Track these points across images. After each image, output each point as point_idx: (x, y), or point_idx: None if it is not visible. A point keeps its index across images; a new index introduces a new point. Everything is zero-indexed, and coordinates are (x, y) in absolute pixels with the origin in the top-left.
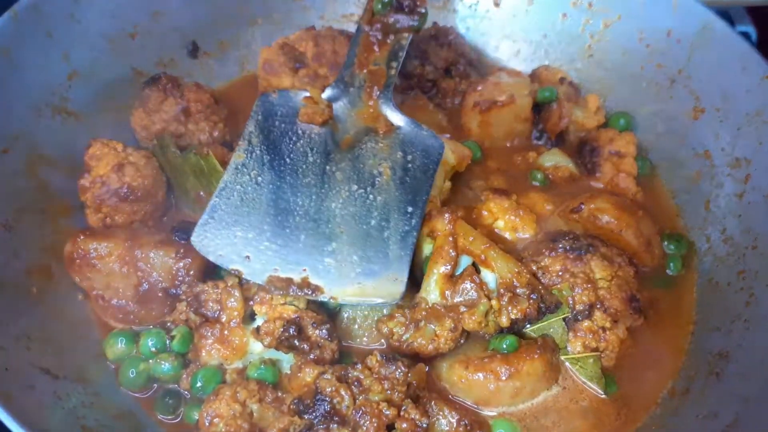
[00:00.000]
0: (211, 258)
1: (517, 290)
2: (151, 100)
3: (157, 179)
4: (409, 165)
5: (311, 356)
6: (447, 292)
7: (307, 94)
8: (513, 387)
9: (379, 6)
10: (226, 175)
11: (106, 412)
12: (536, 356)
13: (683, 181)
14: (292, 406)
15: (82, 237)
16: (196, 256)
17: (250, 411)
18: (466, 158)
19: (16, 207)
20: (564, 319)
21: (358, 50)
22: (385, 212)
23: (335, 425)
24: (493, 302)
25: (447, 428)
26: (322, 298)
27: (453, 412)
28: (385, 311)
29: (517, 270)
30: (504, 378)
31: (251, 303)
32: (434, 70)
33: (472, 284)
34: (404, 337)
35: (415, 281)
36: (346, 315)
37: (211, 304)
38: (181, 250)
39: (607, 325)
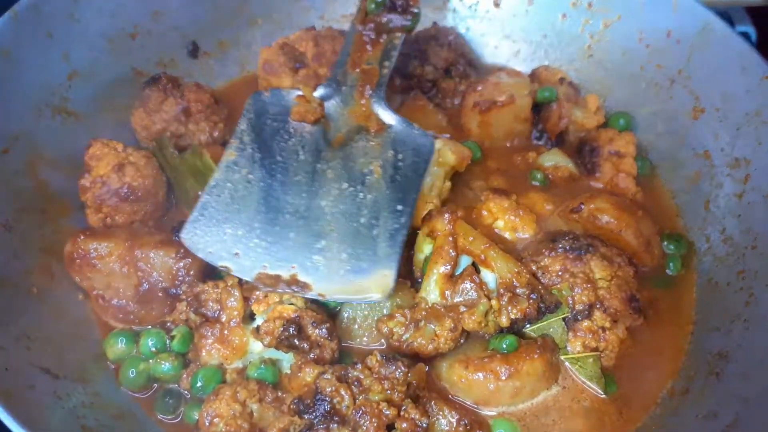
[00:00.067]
0: (201, 255)
1: (517, 290)
2: (151, 100)
3: (157, 179)
4: (400, 163)
5: (311, 356)
6: (447, 292)
7: (300, 93)
8: (513, 387)
9: (373, 5)
10: (218, 173)
11: (106, 412)
12: (536, 356)
13: (683, 181)
14: (292, 406)
15: (82, 237)
16: (196, 256)
17: (250, 411)
18: (466, 158)
19: (16, 207)
20: (564, 319)
21: (351, 49)
22: (375, 210)
23: (335, 425)
24: (493, 302)
25: (447, 428)
26: (310, 295)
27: (453, 412)
28: (385, 311)
29: (516, 270)
30: (504, 378)
31: (251, 302)
32: (434, 70)
33: (472, 284)
34: (404, 337)
35: (413, 281)
36: (346, 315)
37: (211, 304)
38: (181, 250)
39: (607, 325)
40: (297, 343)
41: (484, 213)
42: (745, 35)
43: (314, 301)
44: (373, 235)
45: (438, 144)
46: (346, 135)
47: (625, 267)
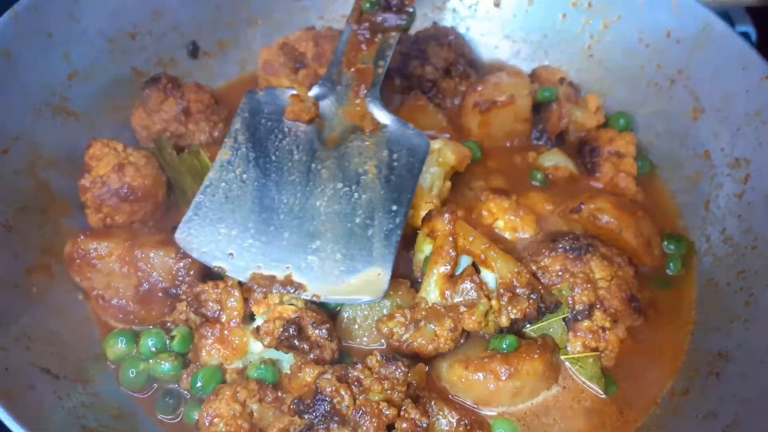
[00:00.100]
0: (195, 255)
1: (517, 290)
2: (151, 100)
3: (157, 179)
4: (395, 163)
5: (311, 356)
6: (447, 292)
7: (294, 92)
8: (513, 387)
9: (367, 4)
10: (212, 173)
11: (106, 412)
12: (536, 356)
13: (683, 181)
14: (292, 406)
15: (82, 237)
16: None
17: (250, 411)
18: (466, 158)
19: (16, 207)
20: (564, 319)
21: (346, 48)
22: (369, 210)
23: (335, 425)
24: (493, 302)
25: (447, 428)
26: (304, 295)
27: (453, 412)
28: (385, 311)
29: (516, 270)
30: (504, 378)
31: (251, 303)
32: (434, 70)
33: (472, 284)
34: (404, 337)
35: (413, 281)
36: (346, 315)
37: (211, 304)
38: (181, 250)
39: (607, 325)
40: (297, 343)
41: (484, 213)
42: (745, 35)
43: (314, 302)
44: (367, 235)
45: (438, 144)
46: (340, 134)
47: (625, 267)
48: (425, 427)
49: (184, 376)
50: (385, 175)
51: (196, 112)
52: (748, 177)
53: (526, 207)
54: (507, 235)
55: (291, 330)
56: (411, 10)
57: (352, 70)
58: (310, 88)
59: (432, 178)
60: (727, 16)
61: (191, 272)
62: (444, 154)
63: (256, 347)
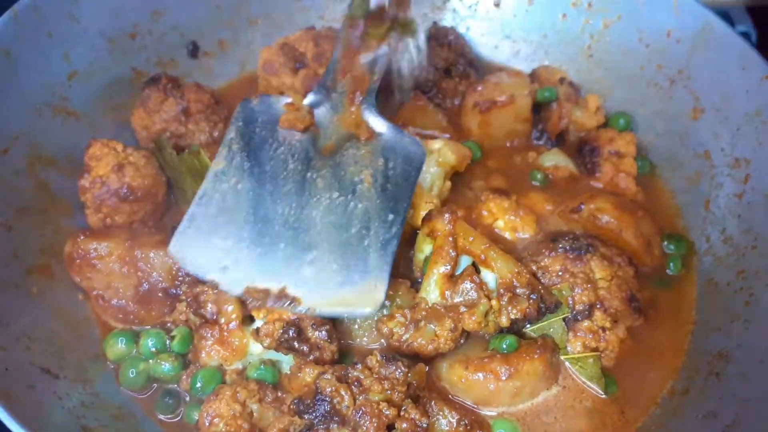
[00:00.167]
0: (188, 268)
1: (517, 290)
2: (151, 100)
3: (157, 179)
4: (390, 172)
5: (311, 357)
6: (447, 292)
7: (289, 100)
8: (513, 387)
9: (360, 9)
10: (206, 183)
11: (106, 412)
12: (536, 356)
13: (683, 181)
14: (292, 406)
15: (82, 237)
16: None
17: (250, 411)
18: (466, 158)
19: (16, 207)
20: (564, 319)
21: (341, 55)
22: (365, 220)
23: (335, 425)
24: (493, 302)
25: (447, 428)
26: (299, 309)
27: (453, 412)
28: (385, 311)
29: (517, 270)
30: (504, 378)
31: (249, 305)
32: (434, 70)
33: (472, 284)
34: (404, 337)
35: (413, 281)
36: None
37: (210, 306)
38: None
39: (607, 325)
40: (296, 345)
41: (484, 213)
42: (745, 35)
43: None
44: (364, 245)
45: (438, 144)
46: (336, 143)
47: (625, 267)
48: (425, 427)
49: (184, 377)
50: (381, 184)
51: (196, 112)
52: (748, 177)
53: (526, 207)
54: (507, 235)
55: (290, 332)
56: (405, 16)
57: (347, 77)
58: (307, 92)
59: (432, 178)
60: (727, 16)
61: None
62: (444, 154)
63: (255, 348)
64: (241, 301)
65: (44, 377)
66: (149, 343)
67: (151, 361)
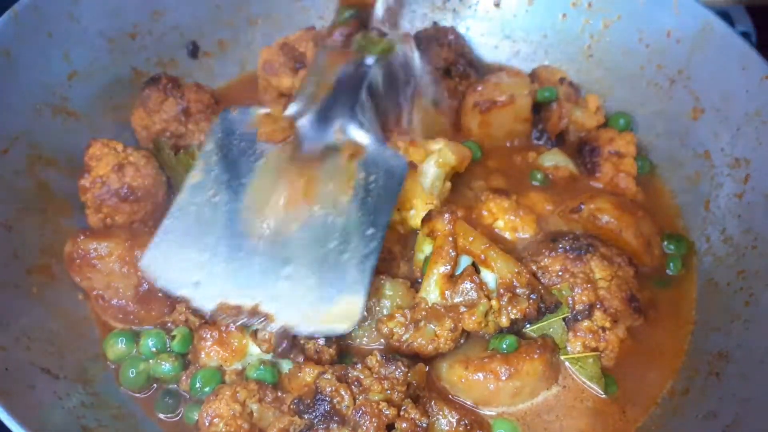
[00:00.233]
0: (159, 284)
1: (517, 290)
2: (151, 100)
3: (157, 179)
4: (372, 186)
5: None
6: (447, 292)
7: (267, 111)
8: (513, 387)
9: (343, 17)
10: (181, 195)
11: (106, 412)
12: (536, 356)
13: (683, 181)
14: (292, 406)
15: (82, 237)
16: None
17: (250, 411)
18: (466, 158)
19: (16, 207)
20: (564, 319)
21: (322, 66)
22: (344, 234)
23: (335, 425)
24: (493, 302)
25: (447, 428)
26: (272, 327)
27: (453, 412)
28: (385, 311)
29: (516, 270)
30: (504, 378)
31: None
32: (434, 70)
33: (472, 284)
34: (404, 337)
35: (413, 281)
36: None
37: None
38: None
39: (607, 325)
40: (292, 356)
41: (484, 213)
42: (745, 35)
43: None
44: (342, 260)
45: (438, 144)
46: (317, 154)
47: (625, 267)
48: (425, 427)
49: (184, 377)
50: (361, 198)
51: (196, 112)
52: (748, 177)
53: (526, 207)
54: (507, 235)
55: (284, 344)
56: (384, 31)
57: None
58: (285, 106)
59: (432, 179)
60: (727, 16)
61: None
62: (444, 154)
63: (255, 349)
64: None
65: (44, 377)
66: (149, 343)
67: (151, 361)
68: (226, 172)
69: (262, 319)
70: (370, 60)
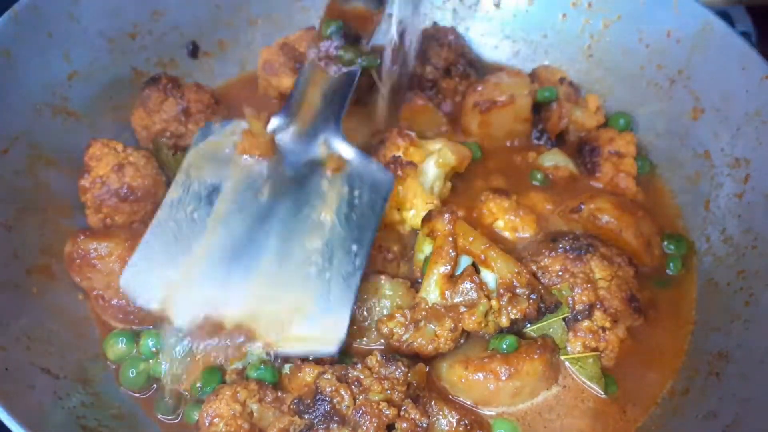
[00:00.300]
0: (138, 302)
1: (517, 290)
2: (151, 100)
3: (157, 179)
4: (356, 201)
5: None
6: (447, 292)
7: (248, 126)
8: (513, 387)
9: (328, 30)
10: (160, 212)
11: (106, 412)
12: (536, 356)
13: (683, 181)
14: (292, 406)
15: (82, 237)
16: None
17: (250, 411)
18: (466, 158)
19: (16, 207)
20: (564, 319)
21: (307, 78)
22: (328, 251)
23: (335, 425)
24: (493, 302)
25: (447, 428)
26: (255, 347)
27: (453, 412)
28: (385, 311)
29: (516, 270)
30: (504, 378)
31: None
32: (434, 70)
33: (472, 284)
34: (404, 337)
35: (413, 281)
36: None
37: None
38: None
39: (607, 325)
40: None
41: (484, 213)
42: (745, 35)
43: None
44: (325, 279)
45: (438, 144)
46: (300, 169)
47: (625, 267)
48: (425, 427)
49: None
50: (345, 213)
51: (196, 112)
52: (748, 177)
53: (526, 207)
54: (507, 235)
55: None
56: (365, 44)
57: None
58: (268, 120)
59: (432, 179)
60: (727, 16)
61: None
62: (444, 154)
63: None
64: None
65: (44, 377)
66: (149, 343)
67: (151, 361)
68: (206, 187)
69: (243, 338)
70: (355, 73)
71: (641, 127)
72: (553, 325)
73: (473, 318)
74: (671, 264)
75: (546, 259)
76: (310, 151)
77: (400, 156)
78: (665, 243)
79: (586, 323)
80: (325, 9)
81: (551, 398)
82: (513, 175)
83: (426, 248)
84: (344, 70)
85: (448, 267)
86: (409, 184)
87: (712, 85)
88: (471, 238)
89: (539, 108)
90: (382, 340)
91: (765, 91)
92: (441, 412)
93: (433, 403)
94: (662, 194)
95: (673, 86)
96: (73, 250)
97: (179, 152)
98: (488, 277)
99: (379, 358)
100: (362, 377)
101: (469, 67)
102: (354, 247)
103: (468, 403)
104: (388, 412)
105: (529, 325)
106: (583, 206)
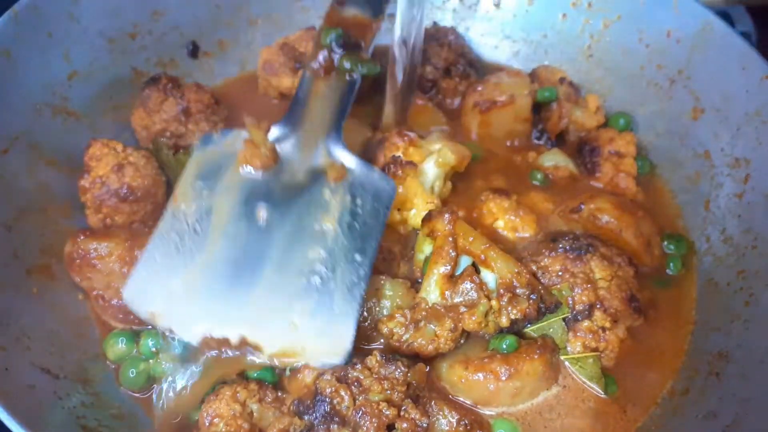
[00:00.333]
0: (143, 316)
1: (517, 290)
2: (151, 100)
3: (156, 179)
4: (358, 210)
5: None
6: (447, 292)
7: (247, 136)
8: (513, 387)
9: (327, 39)
10: (162, 223)
11: (106, 412)
12: (536, 356)
13: (683, 181)
14: (292, 407)
15: (82, 237)
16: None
17: (250, 411)
18: (466, 158)
19: (16, 207)
20: (564, 319)
21: (308, 87)
22: (331, 262)
23: (335, 426)
24: (493, 302)
25: (447, 428)
26: (261, 359)
27: (453, 412)
28: (385, 311)
29: (516, 270)
30: (504, 378)
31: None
32: (434, 70)
33: (472, 284)
34: (404, 338)
35: (413, 281)
36: None
37: None
38: None
39: (607, 325)
40: None
41: (484, 213)
42: (745, 35)
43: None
44: (329, 289)
45: (438, 144)
46: (301, 179)
47: (625, 267)
48: (425, 427)
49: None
50: (347, 223)
51: (196, 112)
52: (748, 177)
53: (526, 207)
54: (507, 235)
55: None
56: (364, 52)
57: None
58: (268, 130)
59: (432, 178)
60: (727, 16)
61: None
62: (444, 154)
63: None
64: None
65: (44, 377)
66: (149, 343)
67: (151, 360)
68: (207, 198)
69: (250, 351)
70: (355, 81)
71: (641, 127)
72: (553, 325)
73: (473, 318)
74: (671, 264)
75: (546, 259)
76: (312, 160)
77: (399, 156)
78: (665, 243)
79: (586, 323)
80: (324, 17)
81: (551, 398)
82: (513, 175)
83: (426, 248)
84: (345, 78)
85: (448, 267)
86: (409, 184)
87: (712, 85)
88: (471, 238)
89: (539, 108)
90: (382, 340)
91: (765, 91)
92: (441, 412)
93: (433, 403)
94: (662, 194)
95: (673, 86)
96: (73, 250)
97: (179, 152)
98: (488, 277)
99: (379, 359)
100: (362, 377)
101: (469, 67)
102: (358, 257)
103: (468, 403)
104: (388, 413)
105: (529, 325)
106: (583, 206)
